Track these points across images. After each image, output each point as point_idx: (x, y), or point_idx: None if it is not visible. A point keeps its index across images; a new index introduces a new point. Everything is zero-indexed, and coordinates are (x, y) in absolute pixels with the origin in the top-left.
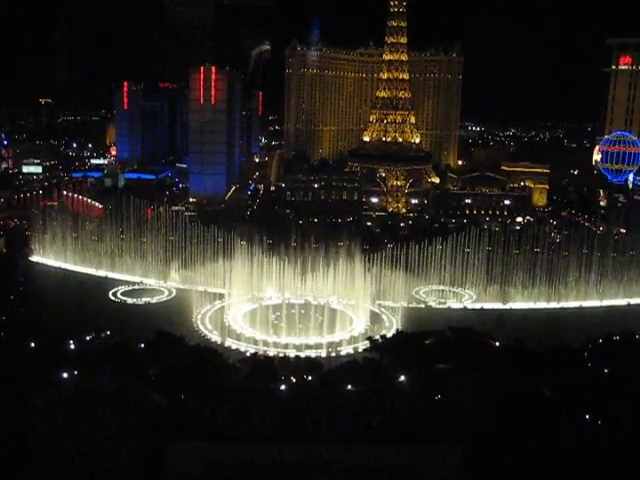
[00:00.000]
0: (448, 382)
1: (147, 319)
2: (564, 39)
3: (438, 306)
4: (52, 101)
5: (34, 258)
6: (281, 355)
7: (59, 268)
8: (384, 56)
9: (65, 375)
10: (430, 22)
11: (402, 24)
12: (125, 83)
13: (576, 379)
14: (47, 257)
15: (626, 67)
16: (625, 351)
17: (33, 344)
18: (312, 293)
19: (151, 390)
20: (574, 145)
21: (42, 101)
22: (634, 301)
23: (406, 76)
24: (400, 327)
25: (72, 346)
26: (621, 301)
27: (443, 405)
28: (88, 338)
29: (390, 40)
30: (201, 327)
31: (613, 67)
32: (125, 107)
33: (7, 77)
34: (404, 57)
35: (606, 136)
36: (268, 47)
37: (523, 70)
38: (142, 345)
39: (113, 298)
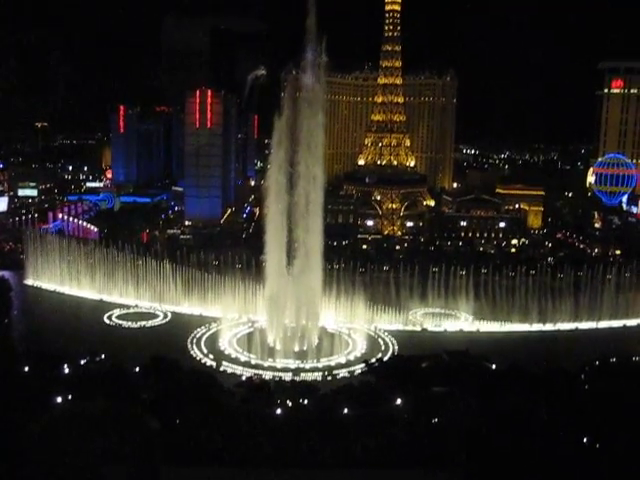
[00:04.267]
0: (445, 405)
1: (142, 343)
2: (557, 62)
3: (434, 329)
4: (48, 124)
5: (29, 281)
6: (277, 379)
7: (54, 291)
8: (379, 80)
9: (60, 399)
10: (424, 46)
11: (396, 48)
12: (121, 107)
13: (573, 401)
14: (42, 280)
15: (618, 90)
16: (622, 373)
17: (27, 368)
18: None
19: (146, 414)
20: (568, 167)
21: (38, 124)
22: (630, 323)
23: (401, 99)
24: (396, 350)
25: (67, 370)
26: (617, 323)
27: (441, 428)
28: (83, 362)
29: (385, 64)
30: (196, 351)
31: (605, 90)
32: (121, 130)
33: (4, 100)
34: (399, 81)
35: (600, 158)
36: (264, 71)
37: (517, 93)
38: (137, 369)
39: (108, 321)
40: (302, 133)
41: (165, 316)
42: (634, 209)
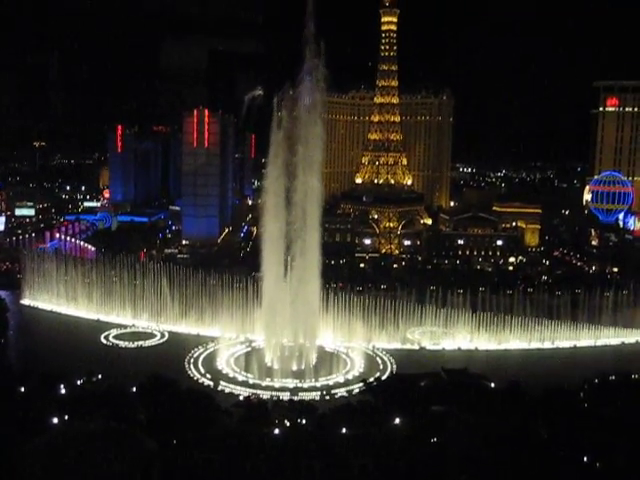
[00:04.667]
0: (444, 424)
1: (139, 363)
2: (553, 81)
3: (432, 347)
4: (46, 144)
5: (25, 301)
6: (275, 398)
7: (51, 311)
8: (375, 99)
9: (56, 420)
10: (420, 65)
11: (393, 68)
12: (119, 126)
13: (573, 420)
14: (39, 300)
15: (613, 109)
16: (621, 391)
17: (24, 388)
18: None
19: (143, 435)
20: (564, 185)
21: (36, 144)
22: (628, 340)
23: (397, 119)
24: (395, 369)
25: (63, 390)
26: (615, 340)
27: (440, 447)
28: (79, 382)
29: (381, 83)
30: (193, 371)
31: (601, 109)
32: (119, 150)
33: (2, 119)
34: (395, 100)
35: (596, 176)
36: (261, 92)
37: (513, 112)
38: (134, 389)
39: (105, 341)
40: (300, 140)
41: (162, 336)
42: (630, 226)
